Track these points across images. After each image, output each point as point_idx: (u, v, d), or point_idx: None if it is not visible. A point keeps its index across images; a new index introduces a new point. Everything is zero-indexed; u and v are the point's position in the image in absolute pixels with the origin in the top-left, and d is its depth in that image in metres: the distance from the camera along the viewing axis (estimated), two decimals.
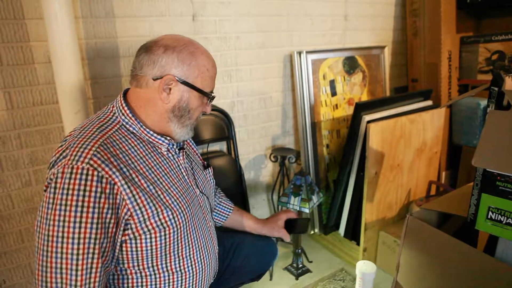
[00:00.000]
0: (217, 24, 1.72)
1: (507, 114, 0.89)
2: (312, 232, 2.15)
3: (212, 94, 0.98)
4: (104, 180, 0.80)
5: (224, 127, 1.77)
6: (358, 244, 1.88)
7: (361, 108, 1.77)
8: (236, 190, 1.79)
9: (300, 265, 1.89)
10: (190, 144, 1.19)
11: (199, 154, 1.22)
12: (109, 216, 0.81)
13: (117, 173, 0.82)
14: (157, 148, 0.95)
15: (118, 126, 0.91)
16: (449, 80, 2.35)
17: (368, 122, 1.71)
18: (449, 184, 2.41)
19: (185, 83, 0.91)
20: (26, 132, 1.38)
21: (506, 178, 0.86)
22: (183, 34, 0.99)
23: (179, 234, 0.92)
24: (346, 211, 1.91)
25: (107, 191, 0.80)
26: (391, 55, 2.44)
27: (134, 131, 0.92)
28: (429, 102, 2.09)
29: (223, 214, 1.31)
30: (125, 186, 0.83)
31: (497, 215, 0.90)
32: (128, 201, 0.83)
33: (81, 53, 1.40)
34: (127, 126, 0.92)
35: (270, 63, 1.94)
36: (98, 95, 1.48)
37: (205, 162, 1.21)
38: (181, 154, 1.01)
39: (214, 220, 1.31)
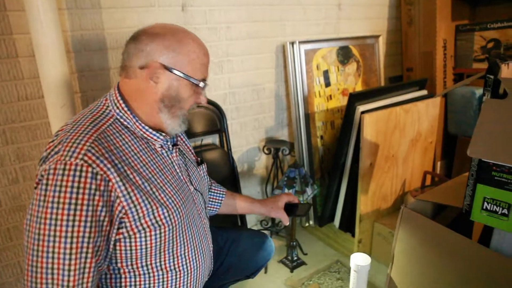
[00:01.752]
0: (207, 14, 1.68)
1: (503, 103, 0.87)
2: (307, 224, 2.14)
3: (204, 83, 0.93)
4: (98, 177, 0.77)
5: (216, 119, 1.74)
6: (353, 235, 1.87)
7: (355, 99, 1.75)
8: (229, 183, 1.77)
9: (295, 258, 1.89)
10: (184, 140, 1.16)
11: (192, 150, 1.19)
12: (103, 214, 0.78)
13: (112, 170, 0.79)
14: (150, 144, 0.92)
15: (112, 120, 0.88)
16: (444, 69, 2.33)
17: (363, 112, 1.69)
18: (444, 174, 2.40)
19: (172, 70, 0.87)
20: (11, 128, 1.34)
21: (502, 168, 0.84)
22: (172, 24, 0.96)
23: (174, 232, 0.90)
24: (341, 203, 1.90)
25: (102, 188, 0.77)
26: (386, 44, 2.42)
27: (129, 126, 0.89)
28: (424, 92, 2.07)
29: (217, 201, 1.27)
30: (120, 183, 0.80)
31: (492, 205, 0.89)
32: (122, 199, 0.80)
33: (66, 46, 1.36)
34: (121, 120, 0.89)
35: (262, 53, 1.90)
36: (85, 88, 1.45)
37: (199, 159, 1.19)
38: (174, 151, 0.98)
39: (209, 208, 1.28)
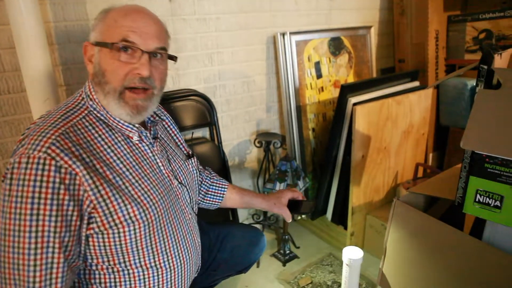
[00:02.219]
0: (195, 4, 1.64)
1: (497, 94, 0.86)
2: (299, 217, 2.13)
3: (124, 44, 0.81)
4: (62, 170, 0.75)
5: (206, 112, 1.71)
6: (345, 228, 1.87)
7: (347, 90, 1.73)
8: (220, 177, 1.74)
9: (287, 251, 1.88)
10: (174, 131, 1.13)
11: (183, 143, 1.16)
12: (70, 208, 0.76)
13: (78, 163, 0.77)
14: (128, 136, 0.90)
15: (86, 112, 0.86)
16: (436, 61, 2.32)
17: (354, 104, 1.67)
18: (436, 166, 2.40)
19: (94, 43, 0.85)
20: None
21: (495, 160, 0.83)
22: (159, 16, 0.92)
23: (151, 229, 0.88)
24: (333, 196, 1.88)
25: (67, 181, 0.75)
26: (378, 35, 2.39)
27: (102, 118, 0.87)
28: (416, 83, 2.06)
29: (219, 195, 1.24)
30: (87, 177, 0.78)
31: (485, 198, 0.88)
32: (90, 193, 0.78)
33: (50, 38, 1.32)
34: (95, 112, 0.86)
35: (252, 45, 1.87)
36: (70, 82, 1.41)
37: (190, 152, 1.16)
38: (155, 144, 0.95)
39: (210, 202, 1.25)
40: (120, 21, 0.83)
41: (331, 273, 1.77)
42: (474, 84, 2.06)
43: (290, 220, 1.23)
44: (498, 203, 0.85)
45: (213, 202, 1.25)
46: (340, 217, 1.89)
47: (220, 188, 1.25)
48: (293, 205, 1.23)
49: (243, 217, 2.09)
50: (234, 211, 1.86)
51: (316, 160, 2.06)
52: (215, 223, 1.34)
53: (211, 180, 1.26)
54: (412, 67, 2.35)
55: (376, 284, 1.65)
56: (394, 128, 1.85)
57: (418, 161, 2.09)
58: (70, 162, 0.76)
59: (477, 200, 0.89)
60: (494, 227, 0.91)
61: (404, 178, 2.05)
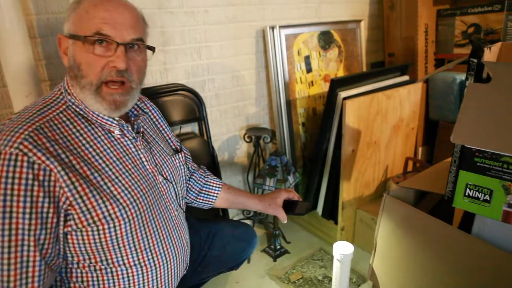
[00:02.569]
0: None
1: (487, 87, 0.86)
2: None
3: (98, 36, 0.78)
4: (36, 166, 0.73)
5: (194, 107, 1.69)
6: (336, 223, 1.87)
7: (336, 85, 1.72)
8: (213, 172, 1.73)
9: (278, 247, 1.87)
10: (163, 125, 1.11)
11: (172, 137, 1.14)
12: (46, 205, 0.74)
13: (53, 159, 0.75)
14: (109, 131, 0.87)
15: (64, 107, 0.84)
16: (425, 55, 2.32)
17: (344, 98, 1.67)
18: (426, 160, 2.41)
19: (68, 36, 0.82)
20: None
21: (485, 154, 0.83)
22: (145, 8, 0.89)
23: (132, 226, 0.86)
24: (324, 190, 1.88)
25: (41, 178, 0.73)
26: (368, 29, 2.39)
27: (82, 112, 0.85)
28: (405, 77, 2.06)
29: (212, 195, 1.22)
30: (63, 173, 0.76)
31: (474, 192, 0.88)
32: (66, 189, 0.76)
33: (31, 31, 1.28)
34: (74, 106, 0.84)
35: (241, 38, 1.85)
36: (54, 76, 1.37)
37: (178, 146, 1.14)
38: (138, 138, 0.93)
39: (203, 202, 1.23)
40: (92, 11, 0.79)
41: (321, 268, 1.77)
42: (463, 78, 2.07)
43: (285, 221, 1.22)
44: (487, 197, 0.85)
45: (206, 202, 1.23)
46: (331, 212, 1.89)
47: (214, 188, 1.23)
48: (288, 206, 1.21)
49: (234, 212, 2.08)
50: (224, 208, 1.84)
51: (306, 154, 2.05)
52: (205, 220, 1.32)
53: (205, 180, 1.24)
54: (402, 61, 2.35)
55: (366, 278, 1.65)
56: (384, 122, 1.85)
57: (408, 155, 2.10)
58: (43, 158, 0.74)
59: (466, 194, 0.89)
60: (483, 221, 0.91)
61: (394, 172, 2.05)
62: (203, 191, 1.22)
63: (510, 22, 1.96)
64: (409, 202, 1.13)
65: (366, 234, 1.85)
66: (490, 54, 1.03)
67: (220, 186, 1.24)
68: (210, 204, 1.23)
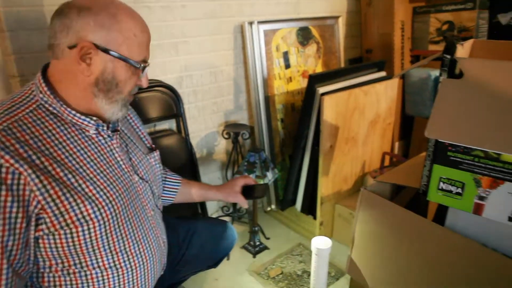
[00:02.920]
0: None
1: (459, 83, 0.88)
2: (269, 208, 2.13)
3: (144, 64, 0.87)
4: (3, 170, 0.70)
5: (172, 104, 1.67)
6: (314, 218, 1.89)
7: (315, 80, 1.74)
8: (187, 170, 1.72)
9: (258, 243, 1.88)
10: (137, 124, 1.09)
11: (146, 135, 1.12)
12: (14, 210, 0.71)
13: (22, 162, 0.72)
14: (84, 130, 0.85)
15: (34, 106, 0.80)
16: (402, 51, 2.36)
17: (322, 94, 1.68)
18: (402, 155, 2.46)
19: (106, 51, 0.79)
20: None
21: (457, 148, 0.85)
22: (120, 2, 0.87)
23: (107, 228, 0.84)
24: (302, 186, 1.90)
25: (9, 182, 0.70)
26: (346, 25, 2.41)
27: (55, 111, 0.81)
28: (382, 73, 2.09)
29: (172, 190, 1.22)
30: (33, 176, 0.73)
31: (447, 185, 0.90)
32: (38, 193, 0.73)
33: None
34: (46, 105, 0.81)
35: (220, 34, 1.84)
36: (25, 72, 1.33)
37: (152, 145, 1.12)
38: (114, 137, 0.91)
39: (164, 198, 1.22)
40: (140, 36, 0.84)
41: (301, 262, 1.79)
42: (438, 74, 2.12)
43: (247, 206, 1.27)
44: (459, 190, 0.88)
45: (167, 198, 1.23)
46: (309, 207, 1.91)
47: (173, 184, 1.22)
48: (247, 191, 1.27)
49: (213, 210, 2.07)
50: (203, 204, 1.84)
51: (285, 150, 2.06)
52: (183, 218, 1.31)
53: (164, 176, 1.23)
54: (379, 57, 2.39)
55: (345, 272, 1.68)
56: (361, 118, 1.88)
57: (385, 150, 2.14)
58: (12, 161, 0.71)
59: (440, 187, 0.92)
60: (455, 213, 0.94)
61: (372, 167, 2.09)
62: (164, 188, 1.22)
63: (482, 20, 2.02)
64: (386, 196, 1.15)
65: (344, 228, 1.88)
66: (462, 50, 1.06)
67: (179, 181, 1.24)
68: (171, 200, 1.23)
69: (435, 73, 2.15)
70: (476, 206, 0.86)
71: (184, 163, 1.70)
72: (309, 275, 1.68)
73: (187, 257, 1.21)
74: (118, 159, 0.90)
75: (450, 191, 0.90)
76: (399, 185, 1.22)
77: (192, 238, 1.23)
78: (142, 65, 0.86)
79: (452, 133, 0.85)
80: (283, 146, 2.05)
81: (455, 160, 0.87)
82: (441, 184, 0.91)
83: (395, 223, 1.07)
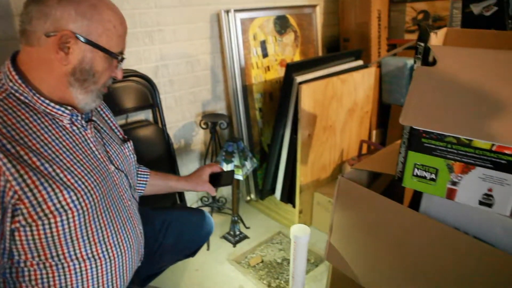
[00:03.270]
0: None
1: (433, 70, 0.89)
2: (248, 198, 2.14)
3: (122, 56, 0.87)
4: None
5: (147, 94, 1.64)
6: (294, 206, 1.90)
7: (292, 69, 1.74)
8: (164, 161, 1.70)
9: (238, 232, 1.88)
10: (108, 115, 1.07)
11: (118, 127, 1.10)
12: None
13: None
14: (57, 120, 0.82)
15: (4, 95, 0.77)
16: (378, 40, 2.39)
17: (300, 83, 1.68)
18: (379, 142, 2.50)
19: (87, 41, 0.79)
20: None
21: (431, 135, 0.86)
22: None
23: (86, 217, 0.82)
24: (281, 175, 1.91)
25: None
26: (323, 14, 2.41)
27: (27, 101, 0.79)
28: (360, 62, 2.11)
29: (141, 182, 1.21)
30: (9, 165, 0.71)
31: (422, 171, 0.92)
32: (14, 183, 0.72)
33: None
34: (17, 94, 0.78)
35: (196, 22, 1.81)
36: None
37: (125, 136, 1.10)
38: (89, 127, 0.89)
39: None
40: (119, 28, 0.84)
41: (280, 250, 1.80)
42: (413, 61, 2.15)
43: (215, 194, 1.30)
44: (433, 176, 0.90)
45: (137, 191, 1.21)
46: (289, 196, 1.93)
47: (142, 176, 1.21)
48: (214, 179, 1.28)
49: (192, 200, 2.07)
50: (181, 195, 1.82)
51: (264, 140, 2.06)
52: (159, 209, 1.30)
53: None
54: (356, 46, 2.40)
55: (324, 258, 1.70)
56: (339, 106, 1.90)
57: (363, 138, 2.17)
58: None
59: (415, 174, 0.93)
60: (429, 199, 0.96)
61: (350, 155, 2.11)
62: None
63: (455, 10, 2.05)
64: (363, 184, 1.17)
65: (323, 216, 1.90)
66: (436, 39, 1.07)
67: (148, 173, 1.23)
68: (140, 193, 1.22)
69: (411, 61, 2.19)
70: (449, 191, 0.88)
71: (161, 154, 1.68)
72: (289, 262, 1.70)
73: (164, 247, 1.21)
74: (94, 149, 0.88)
75: (424, 177, 0.91)
76: (376, 172, 1.24)
77: (169, 228, 1.22)
78: (120, 56, 0.86)
79: (426, 120, 0.87)
80: (262, 136, 2.05)
81: (429, 147, 0.88)
82: (416, 170, 0.92)
83: (372, 209, 1.09)
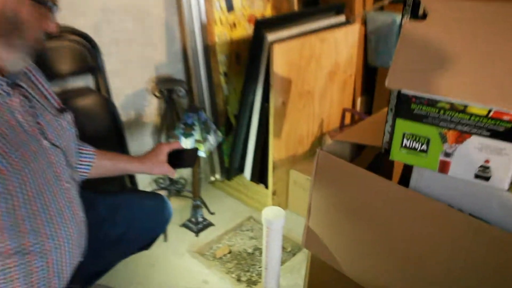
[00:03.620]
0: None
1: (423, 25, 0.90)
2: (212, 178, 2.14)
3: (53, 3, 0.85)
4: None
5: (87, 55, 1.59)
6: (266, 187, 1.92)
7: (263, 26, 1.72)
8: (111, 136, 1.67)
9: (201, 219, 1.89)
10: (40, 80, 1.03)
11: (53, 94, 1.06)
12: None
13: None
14: None
15: None
16: None
17: (272, 42, 1.67)
18: (365, 111, 2.55)
19: None
20: None
21: (421, 100, 0.88)
22: None
23: (14, 203, 0.80)
24: (251, 150, 1.92)
25: None
26: None
27: None
28: (341, 18, 2.11)
29: (84, 163, 1.17)
30: None
31: (411, 142, 0.94)
32: None
33: None
34: None
35: None
36: None
37: (62, 105, 1.07)
38: (14, 94, 0.86)
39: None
40: None
41: (252, 239, 1.83)
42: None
43: (175, 176, 1.29)
44: (424, 146, 0.92)
45: (80, 173, 1.17)
46: (260, 175, 1.94)
47: (86, 156, 1.18)
48: (174, 159, 1.27)
49: (145, 183, 2.05)
50: (132, 177, 1.80)
51: (230, 109, 2.05)
52: (106, 193, 1.28)
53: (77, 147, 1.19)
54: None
55: (301, 246, 1.74)
56: (318, 69, 1.90)
57: (345, 106, 2.20)
58: None
59: (403, 145, 0.95)
60: (420, 173, 0.99)
61: (331, 126, 2.14)
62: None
63: None
64: (345, 158, 1.19)
65: (301, 197, 1.94)
66: None
67: (93, 153, 1.20)
68: (84, 176, 1.18)
69: (400, 17, 2.21)
70: (442, 164, 0.91)
71: (106, 129, 1.64)
72: (261, 252, 1.73)
73: (112, 238, 1.19)
74: (21, 120, 0.85)
75: (415, 148, 0.94)
76: (360, 144, 1.26)
77: (117, 215, 1.21)
78: (50, 2, 0.85)
79: (416, 83, 0.88)
80: (228, 104, 2.03)
81: (419, 114, 0.90)
82: (405, 141, 0.95)
83: (356, 187, 1.11)
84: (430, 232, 0.96)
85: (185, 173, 2.15)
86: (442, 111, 0.87)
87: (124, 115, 1.86)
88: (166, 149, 1.26)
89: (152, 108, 1.98)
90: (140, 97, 1.91)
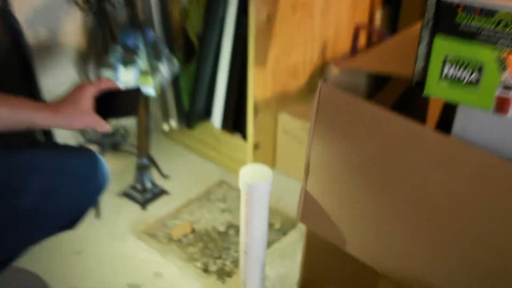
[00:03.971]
0: None
1: None
2: (166, 127, 2.13)
3: None
4: None
5: None
6: (245, 137, 1.93)
7: None
8: (9, 69, 1.65)
9: (149, 185, 1.90)
10: None
11: None
12: None
13: None
14: None
15: None
16: None
17: None
18: (386, 29, 2.53)
19: None
20: None
21: (472, 9, 0.88)
22: None
23: None
24: (223, 86, 1.91)
25: None
26: None
27: None
28: None
29: None
30: None
31: (456, 69, 0.94)
32: None
33: None
34: None
35: None
36: None
37: None
38: None
39: None
40: None
41: (224, 212, 1.85)
42: None
43: (108, 129, 1.24)
44: (475, 76, 0.92)
45: None
46: (236, 121, 1.94)
47: None
48: (106, 106, 1.22)
49: (65, 134, 2.03)
50: None
51: (191, 27, 2.02)
52: (11, 148, 1.26)
53: None
54: None
55: (296, 221, 1.77)
56: None
57: (358, 21, 2.18)
58: None
59: (444, 74, 0.95)
60: (467, 115, 1.00)
61: (337, 51, 2.14)
62: None
63: None
64: (360, 94, 1.19)
65: (294, 151, 1.95)
66: None
67: None
68: None
69: None
70: (500, 100, 0.91)
71: (5, 55, 1.61)
72: (238, 231, 1.74)
73: (19, 212, 1.19)
74: None
75: (460, 79, 0.94)
76: (380, 76, 1.26)
77: (26, 181, 1.20)
78: None
79: None
80: (188, 22, 2.01)
81: (468, 30, 0.90)
82: (447, 68, 0.95)
83: (375, 135, 1.12)
84: (481, 197, 0.98)
85: (125, 120, 2.13)
86: (501, 26, 0.87)
87: (31, 33, 1.82)
88: (91, 91, 1.21)
89: (73, 25, 1.94)
90: (54, 8, 1.88)
